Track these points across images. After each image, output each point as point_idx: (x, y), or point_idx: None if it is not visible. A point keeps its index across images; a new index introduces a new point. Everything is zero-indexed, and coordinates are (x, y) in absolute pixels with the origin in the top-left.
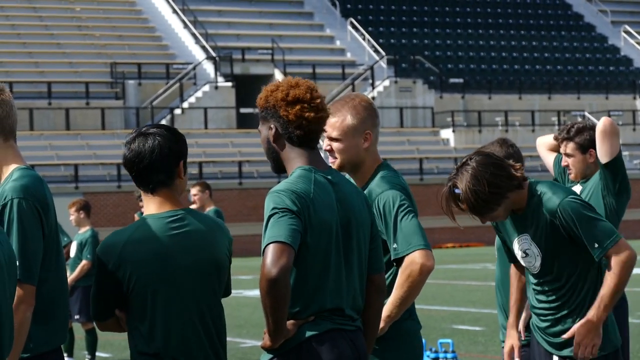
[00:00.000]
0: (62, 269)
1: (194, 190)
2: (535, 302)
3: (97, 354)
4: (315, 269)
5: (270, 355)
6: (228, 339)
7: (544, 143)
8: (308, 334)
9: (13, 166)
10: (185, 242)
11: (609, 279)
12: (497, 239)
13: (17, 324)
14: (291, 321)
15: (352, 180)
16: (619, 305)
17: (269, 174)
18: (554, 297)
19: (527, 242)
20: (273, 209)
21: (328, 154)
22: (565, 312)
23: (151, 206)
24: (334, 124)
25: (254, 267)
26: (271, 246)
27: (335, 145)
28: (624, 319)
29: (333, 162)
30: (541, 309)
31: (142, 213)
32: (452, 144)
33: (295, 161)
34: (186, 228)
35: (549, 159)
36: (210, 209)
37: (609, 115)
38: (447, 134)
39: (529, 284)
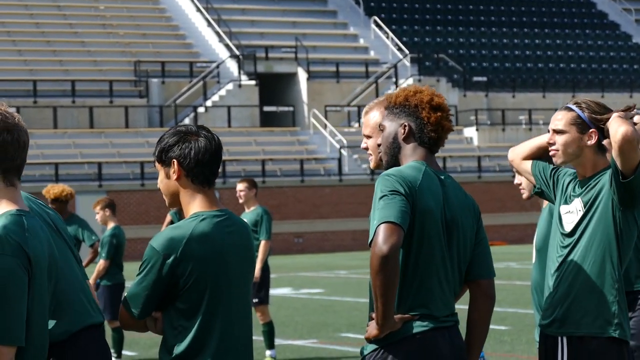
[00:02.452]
0: (68, 269)
1: (240, 186)
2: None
3: (123, 352)
4: (422, 256)
5: (375, 346)
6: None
7: None
8: (414, 330)
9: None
10: (235, 241)
11: None
12: (535, 239)
13: None
14: (398, 315)
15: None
16: None
17: (293, 172)
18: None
19: (576, 204)
20: (382, 191)
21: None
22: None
23: (203, 202)
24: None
25: (277, 265)
26: (382, 226)
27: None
28: None
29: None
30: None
31: (176, 212)
32: (475, 142)
33: (412, 157)
34: (233, 227)
35: None
36: (255, 208)
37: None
38: (470, 132)
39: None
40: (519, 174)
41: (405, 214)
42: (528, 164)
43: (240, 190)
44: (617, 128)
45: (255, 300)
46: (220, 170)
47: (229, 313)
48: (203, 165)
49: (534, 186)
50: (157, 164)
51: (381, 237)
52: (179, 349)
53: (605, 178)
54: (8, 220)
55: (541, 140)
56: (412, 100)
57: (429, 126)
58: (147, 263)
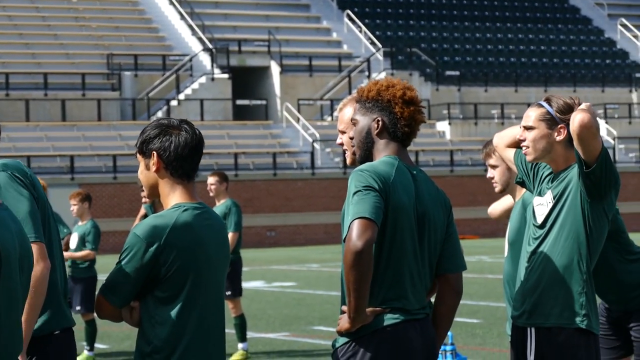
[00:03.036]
0: (57, 256)
1: (211, 180)
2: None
3: (95, 345)
4: (394, 251)
5: (346, 340)
6: None
7: None
8: (385, 322)
9: None
10: (213, 234)
11: None
12: (507, 232)
13: (35, 282)
14: (370, 308)
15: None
16: None
17: (265, 166)
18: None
19: (547, 197)
20: (357, 186)
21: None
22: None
23: (183, 194)
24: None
25: (249, 258)
26: (356, 222)
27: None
28: None
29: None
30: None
31: (150, 205)
32: (448, 136)
33: (385, 152)
34: (211, 221)
35: None
36: (225, 201)
37: (605, 109)
38: (443, 126)
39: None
40: (492, 168)
41: (379, 209)
42: (511, 152)
43: (211, 184)
44: (574, 117)
45: (227, 293)
46: None
47: (206, 304)
48: (183, 159)
49: (516, 176)
50: (138, 155)
51: (355, 233)
52: (156, 338)
53: (574, 172)
54: None
55: None
56: (385, 94)
57: (402, 121)
58: (129, 250)
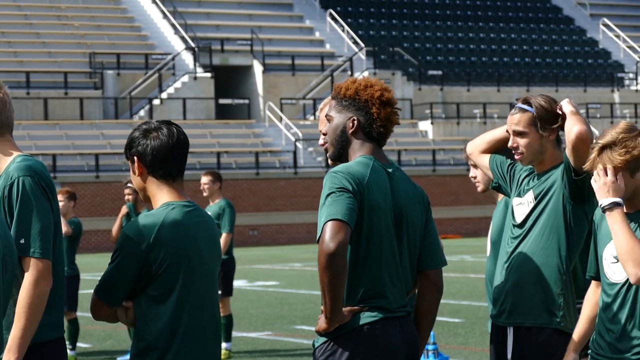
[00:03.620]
0: (61, 258)
1: (204, 179)
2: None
3: (77, 344)
4: (371, 251)
5: (324, 339)
6: None
7: None
8: (362, 321)
9: (14, 155)
10: (204, 231)
11: None
12: (490, 232)
13: (35, 299)
14: (347, 308)
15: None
16: None
17: (248, 165)
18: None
19: (528, 196)
20: (330, 188)
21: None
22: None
23: (171, 193)
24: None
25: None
26: (329, 223)
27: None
28: None
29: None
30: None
31: (132, 204)
32: (430, 135)
33: (361, 152)
34: (202, 219)
35: None
36: (219, 201)
37: (587, 109)
38: (425, 125)
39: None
40: (474, 167)
41: (353, 211)
42: (486, 158)
43: (205, 184)
44: (571, 127)
45: (218, 292)
46: None
47: (199, 300)
48: (161, 161)
49: (492, 180)
50: (127, 160)
51: (328, 235)
52: (150, 336)
53: (558, 173)
54: None
55: (497, 133)
56: (363, 95)
57: (379, 121)
58: (120, 250)
